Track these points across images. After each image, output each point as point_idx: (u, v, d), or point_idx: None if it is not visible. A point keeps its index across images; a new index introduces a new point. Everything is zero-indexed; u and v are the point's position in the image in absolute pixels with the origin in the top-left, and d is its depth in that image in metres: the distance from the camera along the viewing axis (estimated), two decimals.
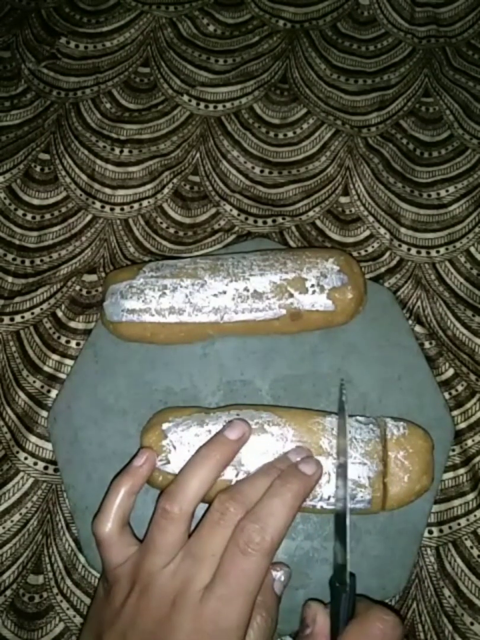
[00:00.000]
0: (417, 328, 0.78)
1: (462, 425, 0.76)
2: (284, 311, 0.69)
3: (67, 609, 0.71)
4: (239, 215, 0.84)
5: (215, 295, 0.69)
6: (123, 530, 0.62)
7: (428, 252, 0.82)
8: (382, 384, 0.74)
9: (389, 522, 0.69)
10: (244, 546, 0.55)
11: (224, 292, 0.69)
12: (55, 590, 0.72)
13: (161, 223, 0.84)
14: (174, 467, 0.63)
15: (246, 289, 0.69)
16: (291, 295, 0.69)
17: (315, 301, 0.69)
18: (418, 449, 0.65)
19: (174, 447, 0.64)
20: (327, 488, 0.63)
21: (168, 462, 0.64)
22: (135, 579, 0.57)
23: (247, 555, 0.55)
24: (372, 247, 0.83)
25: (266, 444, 0.64)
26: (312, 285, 0.69)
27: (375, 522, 0.69)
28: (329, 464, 0.64)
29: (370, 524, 0.69)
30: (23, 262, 0.82)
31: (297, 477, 0.60)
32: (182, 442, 0.64)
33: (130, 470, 0.63)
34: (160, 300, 0.69)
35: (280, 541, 0.57)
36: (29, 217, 0.84)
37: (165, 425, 0.65)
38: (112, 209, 0.85)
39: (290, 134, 0.88)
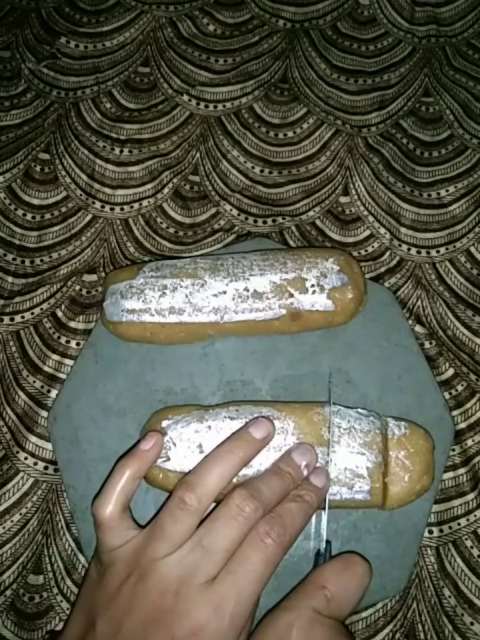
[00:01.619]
0: (417, 328, 0.78)
1: (462, 425, 0.76)
2: (284, 311, 0.69)
3: (67, 609, 0.71)
4: (239, 215, 0.84)
5: (215, 295, 0.69)
6: (123, 514, 0.61)
7: (428, 252, 0.83)
8: (382, 384, 0.74)
9: (389, 522, 0.69)
10: (264, 535, 0.56)
11: (224, 292, 0.69)
12: (55, 590, 0.72)
13: (161, 223, 0.84)
14: (174, 464, 0.63)
15: (246, 289, 0.69)
16: (291, 295, 0.69)
17: (315, 301, 0.69)
18: (419, 448, 0.65)
19: (174, 444, 0.64)
20: None
21: (168, 459, 0.64)
22: (134, 564, 0.57)
23: (267, 545, 0.56)
24: (372, 247, 0.83)
25: None
26: (312, 285, 0.69)
27: (375, 522, 0.69)
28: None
29: (371, 523, 0.69)
30: (23, 262, 0.82)
31: (310, 491, 0.62)
32: (182, 438, 0.64)
33: (136, 453, 0.62)
34: (160, 300, 0.69)
35: (294, 542, 0.59)
36: (28, 217, 0.84)
37: (164, 423, 0.65)
38: (112, 209, 0.85)
39: (290, 134, 0.88)
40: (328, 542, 0.65)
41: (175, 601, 0.54)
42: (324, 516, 0.65)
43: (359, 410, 0.68)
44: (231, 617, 0.54)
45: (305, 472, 0.62)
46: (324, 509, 0.64)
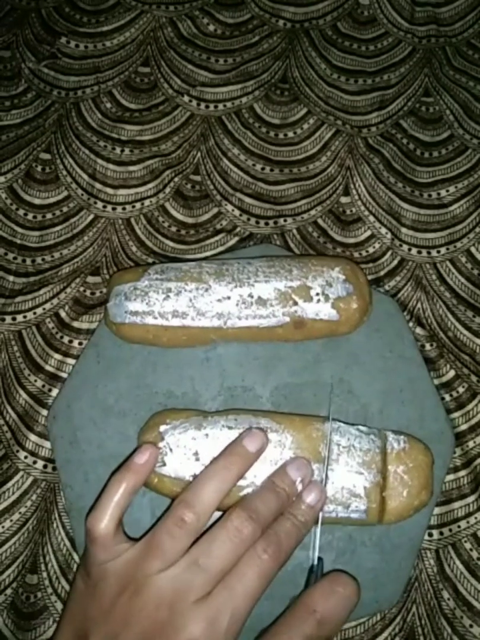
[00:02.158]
0: (418, 330, 0.79)
1: (464, 427, 0.76)
2: (287, 319, 0.69)
3: (61, 610, 0.71)
4: (240, 215, 0.84)
5: (219, 300, 0.69)
6: (117, 529, 0.61)
7: (429, 252, 0.83)
8: (384, 395, 0.73)
9: (385, 535, 0.69)
10: (261, 552, 0.57)
11: (228, 298, 0.69)
12: (49, 590, 0.72)
13: (163, 222, 0.84)
14: (170, 470, 0.63)
15: (250, 295, 0.69)
16: (295, 303, 0.69)
17: (320, 310, 0.69)
18: (418, 463, 0.65)
19: (171, 450, 0.64)
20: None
21: (164, 464, 0.64)
22: (129, 579, 0.57)
23: (263, 560, 0.56)
24: (373, 247, 0.83)
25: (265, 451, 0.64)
26: (317, 294, 0.69)
27: (371, 535, 0.69)
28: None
29: (366, 536, 0.69)
30: (24, 261, 0.82)
31: (303, 511, 0.62)
32: (178, 444, 0.64)
33: (132, 467, 0.62)
34: (163, 303, 0.69)
35: (288, 559, 0.60)
36: (30, 216, 0.85)
37: (162, 428, 0.65)
38: (114, 209, 0.85)
39: (290, 134, 0.88)
40: (320, 559, 0.65)
41: (170, 615, 0.54)
42: (317, 531, 0.65)
43: (360, 427, 0.67)
44: (225, 633, 0.54)
45: (299, 487, 0.63)
46: (317, 523, 0.64)
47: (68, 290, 0.81)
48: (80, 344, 0.79)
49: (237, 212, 0.85)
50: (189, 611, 0.54)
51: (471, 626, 0.70)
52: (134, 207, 0.85)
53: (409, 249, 0.83)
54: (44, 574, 0.72)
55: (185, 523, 0.57)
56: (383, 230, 0.84)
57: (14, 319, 0.80)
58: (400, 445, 0.66)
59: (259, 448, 0.63)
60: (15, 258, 0.83)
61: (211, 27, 0.93)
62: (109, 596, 0.57)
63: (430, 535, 0.73)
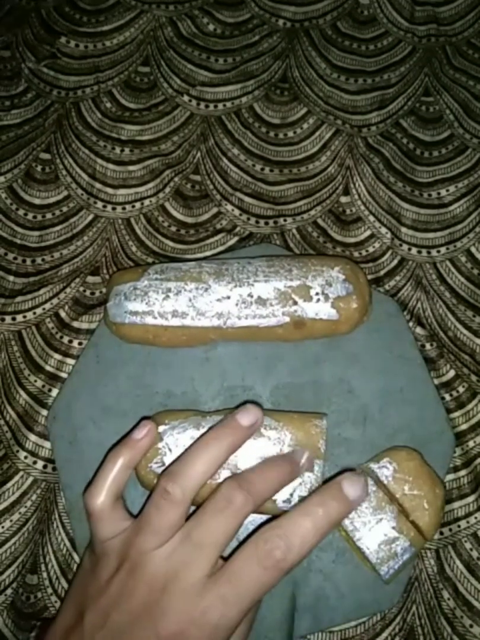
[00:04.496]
0: (418, 330, 0.78)
1: (464, 427, 0.76)
2: (287, 319, 0.69)
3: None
4: (240, 215, 0.84)
5: (218, 300, 0.69)
6: (116, 504, 0.60)
7: (429, 252, 0.83)
8: (383, 395, 0.73)
9: None
10: (262, 558, 0.52)
11: (228, 297, 0.69)
12: (49, 590, 0.72)
13: (163, 222, 0.84)
14: None
15: (250, 295, 0.69)
16: (295, 303, 0.69)
17: (319, 310, 0.69)
18: (414, 472, 0.65)
19: (170, 450, 0.64)
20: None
21: (164, 464, 0.63)
22: (125, 557, 0.56)
23: (264, 569, 0.52)
24: (373, 247, 0.83)
25: (263, 448, 0.63)
26: (317, 294, 0.69)
27: None
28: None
29: None
30: (24, 261, 0.82)
31: (338, 500, 0.56)
32: (177, 444, 0.64)
33: (128, 443, 0.62)
34: (163, 303, 0.69)
35: (299, 563, 0.54)
36: (30, 216, 0.84)
37: (161, 428, 0.65)
38: (114, 209, 0.85)
39: (290, 134, 0.88)
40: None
41: (161, 597, 0.53)
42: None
43: None
44: (212, 627, 0.52)
45: (303, 465, 0.61)
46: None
47: (68, 290, 0.81)
48: (80, 344, 0.79)
49: (237, 212, 0.85)
50: (180, 597, 0.53)
51: (471, 626, 0.69)
52: (133, 207, 0.85)
53: (409, 249, 0.83)
54: (44, 574, 0.72)
55: (169, 494, 0.56)
56: (383, 230, 0.83)
57: (14, 319, 0.80)
58: (389, 469, 0.65)
59: (252, 423, 0.60)
60: (15, 258, 0.82)
61: (211, 27, 0.93)
62: (106, 574, 0.56)
63: None
